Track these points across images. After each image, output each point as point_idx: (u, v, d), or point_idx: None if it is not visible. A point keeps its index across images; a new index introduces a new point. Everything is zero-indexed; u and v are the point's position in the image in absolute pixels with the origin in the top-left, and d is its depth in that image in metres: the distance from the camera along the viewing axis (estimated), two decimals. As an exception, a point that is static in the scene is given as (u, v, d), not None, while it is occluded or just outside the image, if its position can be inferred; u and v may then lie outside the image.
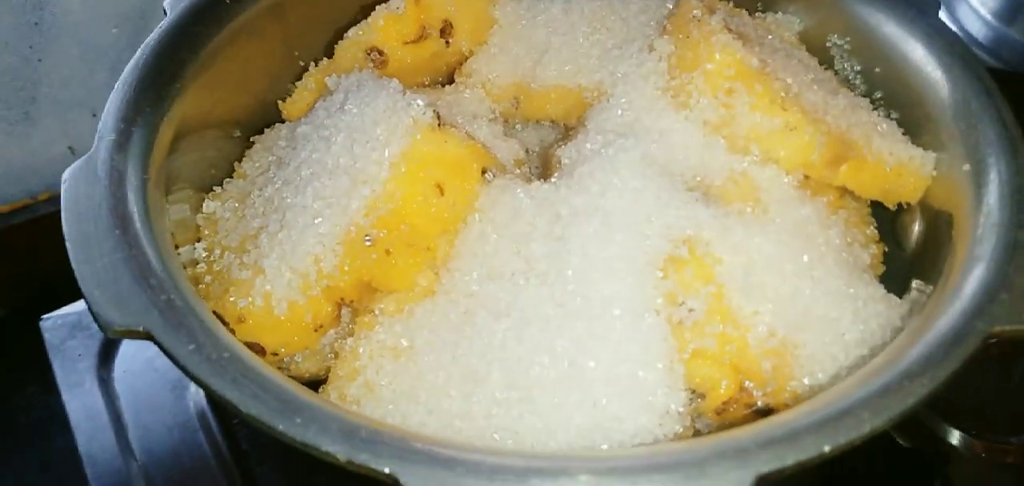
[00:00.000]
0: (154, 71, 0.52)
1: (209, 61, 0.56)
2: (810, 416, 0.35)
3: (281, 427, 0.34)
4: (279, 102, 0.61)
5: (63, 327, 0.80)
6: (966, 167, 0.47)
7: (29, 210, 0.88)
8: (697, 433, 0.46)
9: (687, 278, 0.46)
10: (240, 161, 0.58)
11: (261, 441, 0.67)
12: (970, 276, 0.41)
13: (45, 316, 0.80)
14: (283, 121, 0.60)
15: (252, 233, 0.50)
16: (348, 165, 0.49)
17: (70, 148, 0.90)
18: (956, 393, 0.73)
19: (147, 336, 0.38)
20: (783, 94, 0.49)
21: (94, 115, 0.89)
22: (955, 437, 0.70)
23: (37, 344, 0.81)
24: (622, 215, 0.47)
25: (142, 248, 0.42)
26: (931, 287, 0.46)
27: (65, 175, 0.45)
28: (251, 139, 0.60)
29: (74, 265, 0.41)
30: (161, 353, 0.39)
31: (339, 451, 0.33)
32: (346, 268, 0.47)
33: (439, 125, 0.50)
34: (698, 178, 0.50)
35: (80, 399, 0.74)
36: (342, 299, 0.48)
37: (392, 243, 0.48)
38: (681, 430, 0.44)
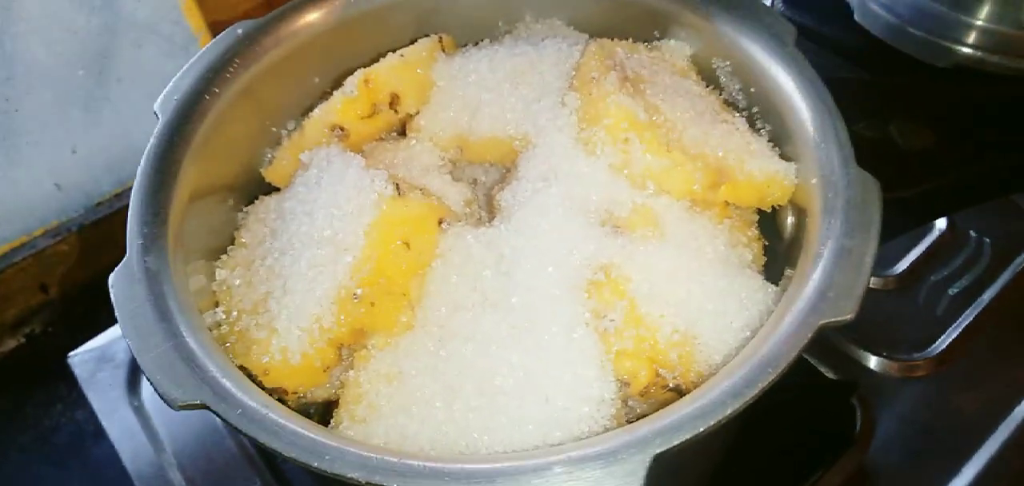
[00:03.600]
0: (159, 173, 0.63)
1: (199, 149, 0.66)
2: (689, 407, 0.48)
3: (316, 464, 0.47)
4: (261, 170, 0.73)
5: (90, 361, 0.90)
6: (814, 180, 0.60)
7: (29, 246, 0.97)
8: (629, 410, 0.59)
9: (606, 296, 0.58)
10: (238, 229, 0.69)
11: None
12: (811, 277, 0.53)
13: (72, 353, 0.91)
14: (266, 184, 0.72)
15: (261, 297, 0.62)
16: (331, 237, 0.60)
17: (56, 185, 0.97)
18: (870, 324, 0.88)
19: (203, 407, 0.50)
20: (668, 139, 0.61)
21: (74, 152, 0.96)
22: (872, 361, 0.84)
23: (56, 368, 0.90)
24: (552, 251, 0.60)
25: (184, 337, 0.54)
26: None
27: (111, 280, 0.57)
28: (242, 208, 0.71)
29: (136, 355, 0.52)
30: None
31: (359, 476, 0.46)
32: (342, 321, 0.59)
33: (399, 194, 0.62)
34: (608, 211, 0.62)
35: (118, 423, 0.86)
36: (342, 344, 0.60)
37: (375, 295, 0.60)
38: (614, 412, 0.57)
